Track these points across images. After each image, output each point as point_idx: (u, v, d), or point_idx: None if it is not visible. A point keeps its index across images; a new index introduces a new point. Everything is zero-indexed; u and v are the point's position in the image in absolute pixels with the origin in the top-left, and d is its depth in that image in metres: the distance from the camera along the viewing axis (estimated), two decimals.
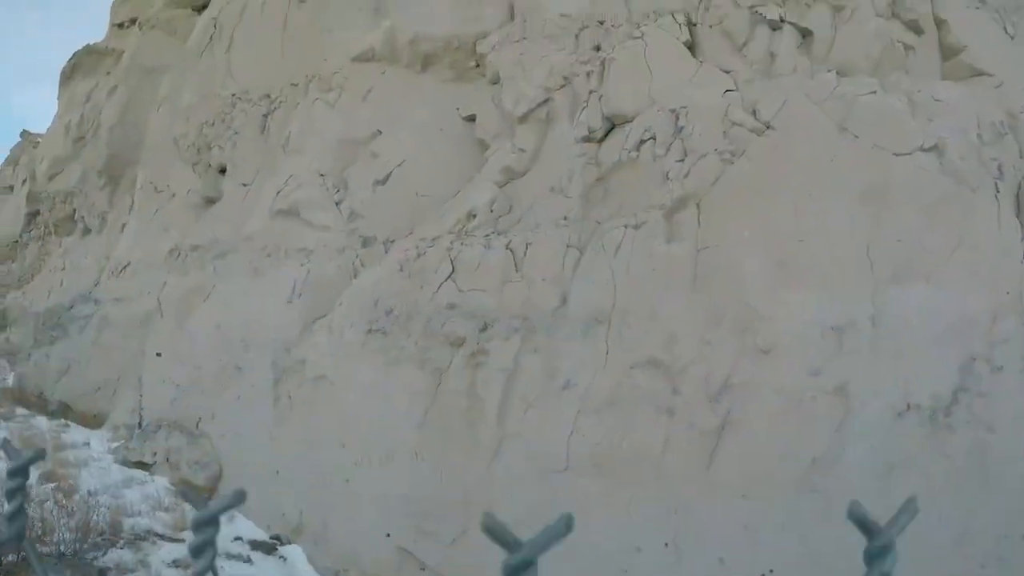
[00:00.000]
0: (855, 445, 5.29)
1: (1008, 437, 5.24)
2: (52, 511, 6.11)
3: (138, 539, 6.70)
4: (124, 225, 12.88)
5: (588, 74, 7.17)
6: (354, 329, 6.78)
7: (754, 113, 6.27)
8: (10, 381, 13.55)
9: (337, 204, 8.02)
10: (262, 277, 8.21)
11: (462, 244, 6.73)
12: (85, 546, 5.84)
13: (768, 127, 6.17)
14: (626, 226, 6.28)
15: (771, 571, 5.27)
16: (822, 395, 5.39)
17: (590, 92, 7.08)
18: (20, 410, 11.76)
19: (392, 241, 7.36)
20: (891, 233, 5.67)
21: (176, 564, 6.47)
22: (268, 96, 9.99)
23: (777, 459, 5.37)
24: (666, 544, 5.45)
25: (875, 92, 6.13)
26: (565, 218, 6.59)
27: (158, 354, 9.52)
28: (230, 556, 6.86)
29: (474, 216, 6.92)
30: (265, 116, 9.95)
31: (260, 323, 7.89)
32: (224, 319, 8.45)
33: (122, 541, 6.55)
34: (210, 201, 10.37)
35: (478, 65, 8.26)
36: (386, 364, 6.44)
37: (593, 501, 5.61)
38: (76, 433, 10.47)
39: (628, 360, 5.83)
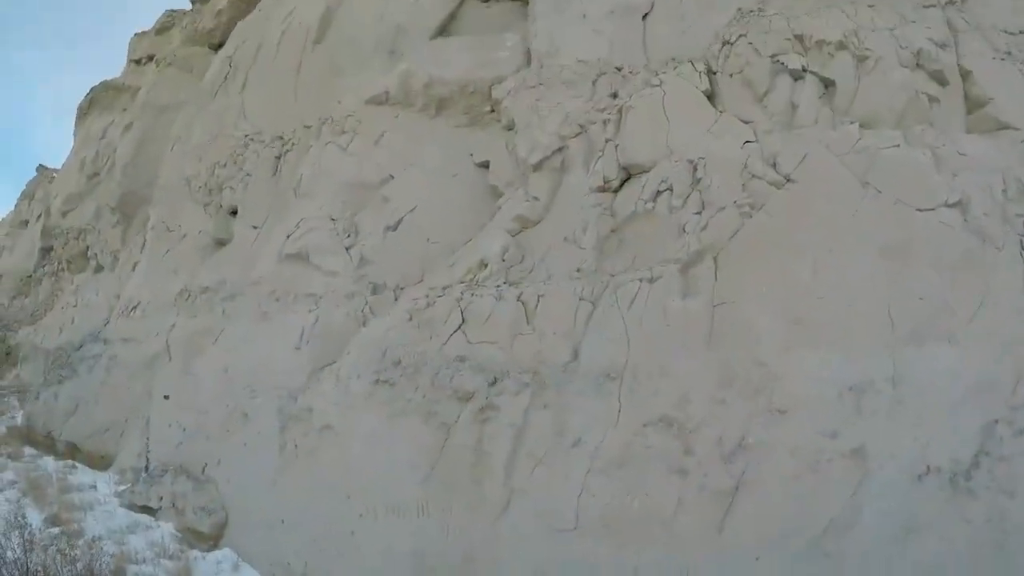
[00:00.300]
0: (871, 508, 5.22)
1: None
2: (55, 558, 6.11)
3: None
4: (136, 264, 13.07)
5: (604, 122, 7.26)
6: (361, 379, 6.80)
7: (774, 165, 6.30)
8: (19, 420, 13.63)
9: (347, 249, 8.11)
10: (270, 322, 8.28)
11: (472, 294, 6.76)
12: None
13: (788, 180, 6.19)
14: (641, 280, 6.29)
15: None
16: (838, 457, 5.33)
17: (606, 140, 7.16)
18: (28, 450, 11.78)
19: (402, 288, 7.41)
20: (912, 291, 5.64)
21: None
22: (281, 138, 10.19)
23: (791, 521, 5.29)
24: None
25: (898, 145, 6.14)
26: (578, 270, 6.61)
27: (165, 397, 9.58)
28: None
29: (485, 265, 6.96)
30: (277, 158, 10.14)
31: (267, 369, 7.94)
32: (231, 363, 8.52)
33: None
34: (220, 243, 10.53)
35: (493, 110, 8.38)
36: (391, 416, 6.44)
37: (602, 562, 5.54)
38: (83, 475, 10.45)
39: (640, 418, 5.79)
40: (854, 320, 5.64)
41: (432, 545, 6.04)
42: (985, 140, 6.45)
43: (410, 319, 6.88)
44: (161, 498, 8.75)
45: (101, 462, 10.83)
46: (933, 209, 5.86)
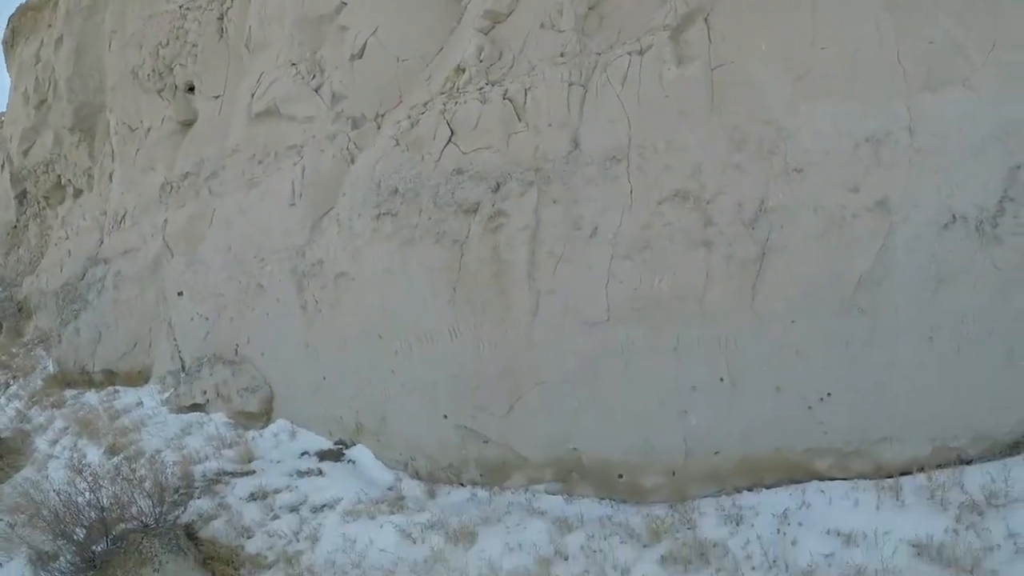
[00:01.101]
0: (901, 260, 5.31)
1: None
2: (123, 487, 6.49)
3: (211, 483, 7.24)
4: (111, 174, 13.02)
5: None
6: (363, 217, 6.84)
7: None
8: (51, 367, 14.18)
9: (316, 91, 7.90)
10: (258, 187, 8.29)
11: (456, 103, 6.60)
12: (164, 508, 6.26)
13: None
14: (630, 53, 6.06)
15: (828, 394, 5.47)
16: (863, 211, 5.34)
17: None
18: (68, 392, 12.44)
19: (382, 115, 7.26)
20: (921, 35, 5.38)
21: (253, 497, 6.97)
22: None
23: (822, 281, 5.41)
24: (721, 379, 5.62)
25: None
26: (562, 55, 6.36)
27: (179, 293, 9.86)
28: (301, 473, 7.36)
29: (463, 70, 6.74)
30: (220, 19, 9.72)
31: (268, 234, 8.04)
32: (232, 240, 8.64)
33: (197, 490, 7.09)
34: (187, 124, 10.36)
35: None
36: (402, 246, 6.52)
37: (640, 347, 5.76)
38: (126, 396, 11.03)
39: (654, 196, 5.78)
40: (862, 69, 5.44)
41: (471, 365, 6.32)
42: None
43: (397, 144, 6.79)
44: (205, 392, 9.25)
45: (140, 378, 11.39)
46: None
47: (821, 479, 5.54)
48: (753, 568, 4.90)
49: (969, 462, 5.31)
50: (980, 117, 5.28)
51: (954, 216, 5.25)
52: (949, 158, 5.26)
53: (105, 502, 6.16)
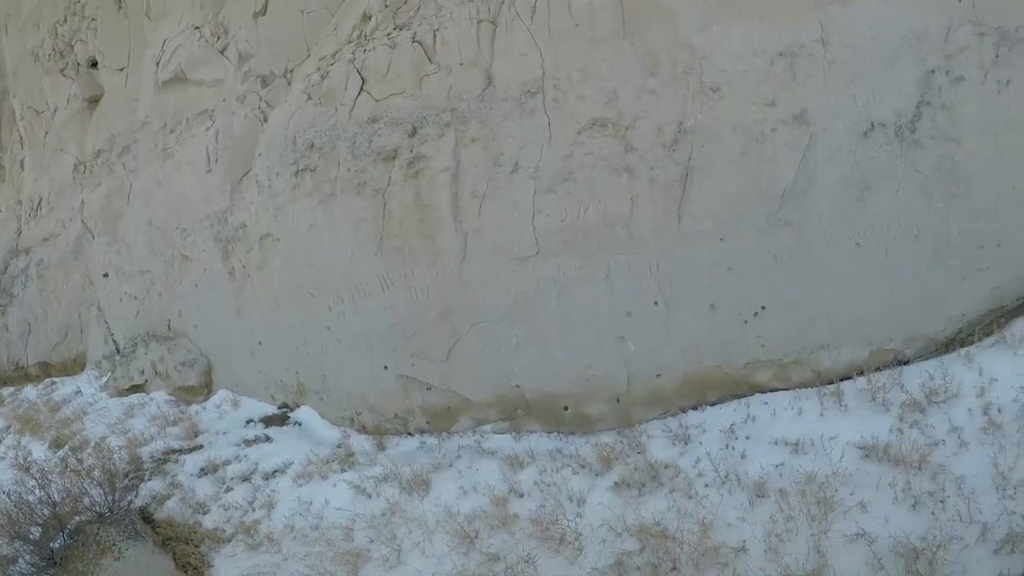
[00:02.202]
0: (823, 171, 5.32)
1: (975, 147, 5.23)
2: (72, 479, 6.33)
3: (160, 463, 7.07)
4: (22, 161, 12.30)
5: None
6: (281, 176, 6.59)
7: None
8: None
9: (222, 52, 7.51)
10: (173, 157, 7.91)
11: (365, 51, 6.34)
12: (116, 495, 6.09)
13: None
14: None
15: (763, 308, 5.53)
16: (781, 126, 5.33)
17: None
18: (5, 390, 11.97)
19: (292, 71, 6.95)
20: None
21: (204, 471, 6.81)
22: None
23: (747, 197, 5.41)
24: (655, 303, 5.64)
25: None
26: None
27: (105, 275, 9.43)
28: (248, 442, 7.21)
29: (369, 17, 6.47)
30: None
31: (188, 203, 7.71)
32: (153, 214, 8.26)
33: (147, 472, 6.92)
34: (94, 101, 9.78)
35: None
36: (324, 201, 6.31)
37: (572, 278, 5.74)
38: (65, 387, 10.64)
39: (572, 127, 5.69)
40: None
41: (405, 313, 6.21)
42: None
43: (309, 98, 6.52)
44: (142, 371, 8.94)
45: (75, 366, 10.97)
46: None
47: (763, 392, 5.62)
48: (706, 485, 4.96)
49: (906, 362, 5.41)
50: (891, 25, 5.26)
51: (872, 124, 5.27)
52: (864, 67, 5.26)
53: (56, 497, 6.00)
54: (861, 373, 5.42)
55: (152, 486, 6.67)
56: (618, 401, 5.80)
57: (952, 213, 5.29)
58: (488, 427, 6.22)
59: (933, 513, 4.19)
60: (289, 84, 6.94)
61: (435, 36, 6.14)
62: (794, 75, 5.33)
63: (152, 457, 7.19)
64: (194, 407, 8.28)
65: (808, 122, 5.33)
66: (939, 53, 5.23)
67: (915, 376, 5.19)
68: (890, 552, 4.04)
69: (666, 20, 5.57)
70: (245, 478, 6.64)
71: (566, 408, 5.93)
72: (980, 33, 5.19)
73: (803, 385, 5.53)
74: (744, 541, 4.43)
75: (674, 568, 4.38)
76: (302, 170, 6.42)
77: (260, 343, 7.36)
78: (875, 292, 5.39)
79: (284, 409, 7.50)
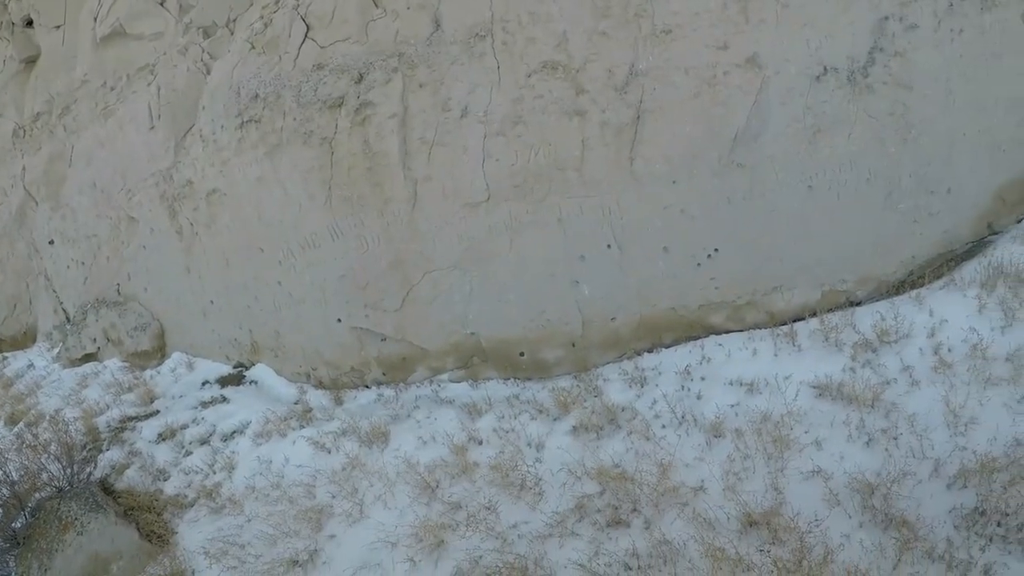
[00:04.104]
0: (775, 114, 5.35)
1: (927, 94, 5.31)
2: (29, 455, 6.18)
3: (117, 432, 6.93)
4: None
5: None
6: (226, 129, 6.42)
7: None
8: None
9: (162, 4, 7.24)
10: (115, 114, 7.65)
11: None
12: (75, 468, 5.97)
13: None
14: None
15: (716, 250, 5.57)
16: (734, 68, 5.34)
17: None
18: None
19: (234, 20, 6.73)
20: None
21: (162, 437, 6.70)
22: None
23: (699, 140, 5.42)
24: (608, 246, 5.65)
25: None
26: None
27: (50, 242, 9.15)
28: (205, 404, 7.10)
29: None
30: None
31: (132, 163, 7.48)
32: (96, 175, 8.00)
33: (105, 443, 6.78)
34: (31, 61, 9.38)
35: None
36: (270, 153, 6.17)
37: (524, 222, 5.71)
38: (16, 361, 10.32)
39: (522, 69, 5.62)
40: None
41: (357, 263, 6.13)
42: None
43: (252, 47, 6.34)
44: (94, 339, 8.72)
45: (27, 339, 10.67)
46: None
47: (718, 333, 5.69)
48: (663, 426, 5.03)
49: (858, 303, 5.52)
50: None
51: (825, 68, 5.31)
52: (818, 12, 5.28)
53: (14, 475, 5.88)
54: (814, 314, 5.51)
55: (111, 456, 6.57)
56: (574, 345, 5.82)
57: (904, 158, 5.37)
58: (445, 376, 6.21)
59: (887, 450, 4.30)
60: (232, 34, 6.73)
61: None
62: (747, 18, 5.33)
63: (109, 426, 7.06)
64: (148, 372, 8.12)
65: (760, 65, 5.34)
66: (894, 0, 5.27)
67: (867, 317, 5.30)
68: (846, 488, 4.13)
69: None
70: (204, 441, 6.57)
71: (522, 354, 5.94)
72: None
73: (757, 326, 5.62)
74: (702, 481, 4.50)
75: (634, 509, 4.44)
76: (247, 122, 6.26)
77: (212, 302, 7.22)
78: (827, 234, 5.47)
79: (240, 368, 7.39)
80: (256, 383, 7.18)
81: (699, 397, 5.14)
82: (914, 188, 5.39)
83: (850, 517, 3.98)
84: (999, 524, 3.66)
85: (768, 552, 3.91)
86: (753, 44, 5.32)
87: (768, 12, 5.32)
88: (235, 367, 7.40)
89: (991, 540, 3.62)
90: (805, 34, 5.30)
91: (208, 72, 6.80)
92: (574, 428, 5.24)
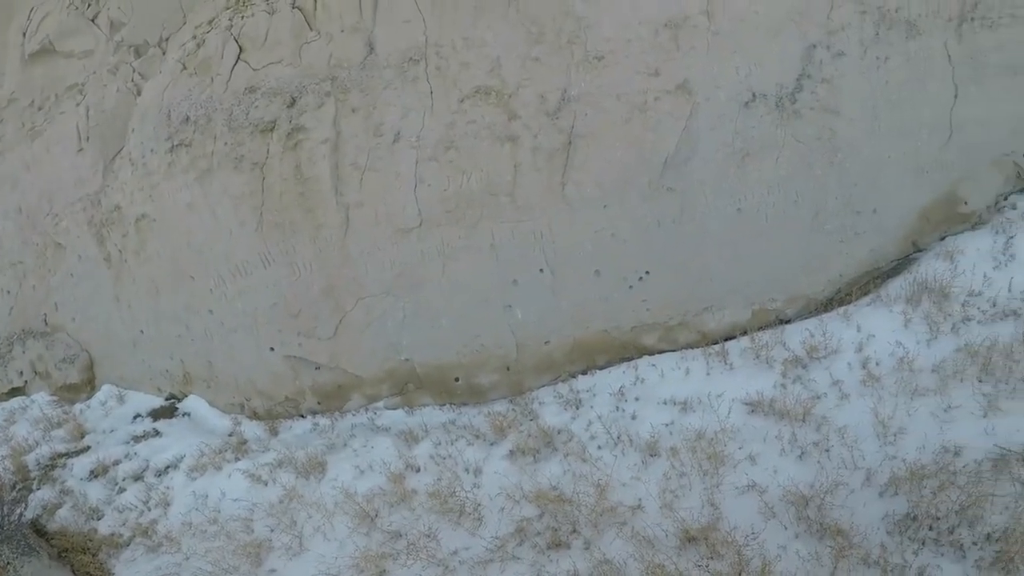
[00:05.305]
0: (705, 139, 5.56)
1: (853, 119, 5.58)
2: None
3: (48, 470, 6.83)
4: None
5: None
6: (156, 152, 6.43)
7: None
8: None
9: (93, 20, 7.25)
10: (42, 136, 7.60)
11: (243, 17, 6.25)
12: (4, 509, 5.84)
13: None
14: None
15: (647, 272, 5.74)
16: (664, 95, 5.54)
17: None
18: None
19: (167, 40, 6.76)
20: None
21: (94, 474, 6.61)
22: None
23: (630, 165, 5.60)
24: (541, 270, 5.78)
25: None
26: None
27: None
28: (137, 438, 7.02)
29: None
30: None
31: (59, 187, 7.43)
32: (22, 200, 7.92)
33: (35, 481, 6.68)
34: None
35: None
36: (201, 178, 6.20)
37: (457, 248, 5.82)
38: None
39: (455, 95, 5.76)
40: None
41: (289, 291, 6.17)
42: None
43: (184, 68, 6.38)
44: (21, 372, 8.57)
45: None
46: None
47: (651, 354, 5.84)
48: (599, 447, 5.14)
49: (788, 321, 5.74)
50: (777, 0, 5.51)
51: (754, 94, 5.54)
52: (748, 40, 5.52)
53: None
54: (745, 333, 5.70)
55: (41, 495, 6.48)
56: (508, 369, 5.90)
57: (830, 180, 5.60)
58: (380, 403, 6.23)
59: (819, 462, 4.47)
60: (164, 54, 6.76)
61: (316, 1, 6.11)
62: (678, 45, 5.53)
63: (39, 464, 6.97)
64: (78, 406, 7.99)
65: (691, 91, 5.54)
66: (821, 29, 5.53)
67: (797, 334, 5.50)
68: (781, 501, 4.28)
69: None
70: (137, 477, 6.50)
71: (457, 379, 5.99)
72: (862, 11, 5.51)
73: (689, 346, 5.78)
74: (640, 499, 4.61)
75: (574, 531, 4.53)
76: (177, 145, 6.27)
77: (142, 332, 7.15)
78: (757, 255, 5.66)
79: (172, 400, 7.31)
80: (189, 415, 7.11)
81: (634, 417, 5.27)
82: (841, 209, 5.61)
83: (786, 528, 4.13)
84: (930, 528, 3.84)
85: (707, 567, 4.04)
86: (684, 71, 5.52)
87: (699, 40, 5.52)
88: (167, 399, 7.32)
89: (923, 544, 3.81)
90: (735, 61, 5.50)
91: (139, 93, 6.80)
92: (511, 452, 5.32)
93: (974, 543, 3.73)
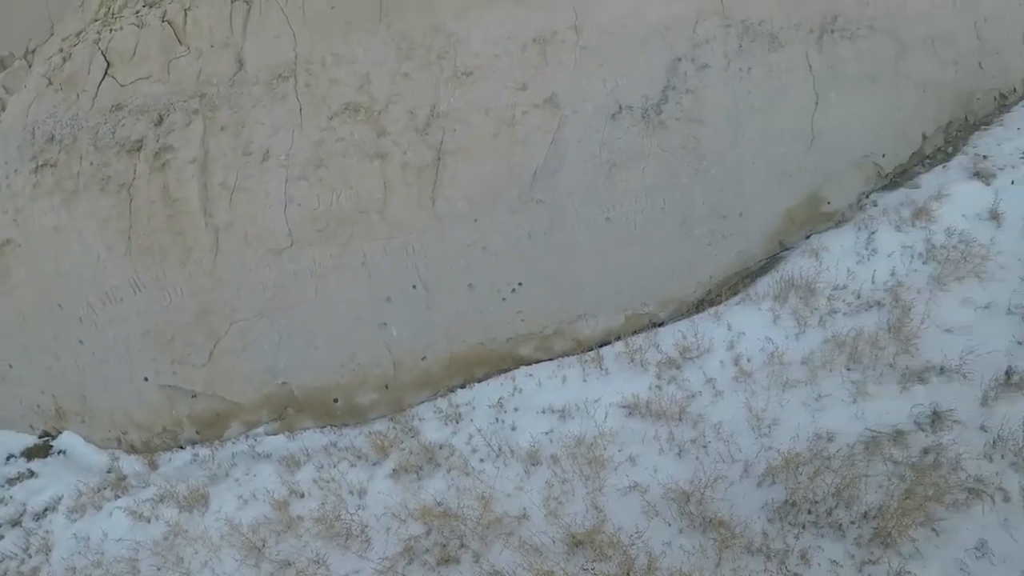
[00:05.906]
0: (573, 151, 5.69)
1: (717, 128, 5.78)
2: None
3: None
4: None
5: None
6: (20, 173, 6.24)
7: None
8: None
9: None
10: None
11: (111, 31, 6.13)
12: None
13: None
14: None
15: (520, 284, 5.80)
16: (532, 109, 5.65)
17: None
18: None
19: (33, 52, 6.61)
20: None
21: None
22: None
23: (499, 178, 5.69)
24: (414, 286, 5.78)
25: None
26: None
27: None
28: (11, 481, 6.75)
29: None
30: None
31: None
32: None
33: None
34: None
35: None
36: (66, 200, 6.03)
37: (328, 267, 5.79)
38: None
39: (324, 112, 5.77)
40: None
41: (160, 317, 6.03)
42: None
43: (50, 83, 6.22)
44: None
45: None
46: None
47: (528, 364, 5.91)
48: (481, 460, 5.18)
49: (661, 324, 5.90)
50: (644, 14, 5.72)
51: (620, 107, 5.66)
52: (614, 54, 5.68)
53: None
54: (619, 338, 5.83)
55: None
56: (387, 387, 5.85)
57: (696, 187, 5.75)
58: (260, 429, 6.11)
59: (697, 458, 4.63)
60: (30, 67, 6.60)
61: (186, 16, 6.05)
62: (546, 60, 5.64)
63: None
64: None
65: (558, 105, 5.65)
66: (687, 42, 5.70)
67: (669, 336, 5.68)
68: (663, 498, 4.43)
69: (424, 4, 5.80)
70: (15, 522, 6.25)
71: (336, 400, 5.91)
72: (726, 25, 5.68)
73: (565, 354, 5.87)
74: (524, 509, 4.67)
75: (462, 545, 4.56)
76: (42, 165, 6.11)
77: (11, 366, 6.89)
78: (627, 262, 5.80)
79: (46, 438, 7.03)
80: (65, 452, 6.84)
81: (514, 428, 5.33)
82: (707, 214, 5.77)
83: (669, 525, 4.26)
84: (809, 512, 4.03)
85: (594, 570, 4.11)
86: (552, 85, 5.60)
87: (567, 54, 5.61)
88: (41, 436, 7.04)
89: (804, 527, 3.99)
90: (602, 74, 5.60)
91: (3, 109, 6.61)
92: (394, 471, 5.31)
93: (852, 522, 3.92)
